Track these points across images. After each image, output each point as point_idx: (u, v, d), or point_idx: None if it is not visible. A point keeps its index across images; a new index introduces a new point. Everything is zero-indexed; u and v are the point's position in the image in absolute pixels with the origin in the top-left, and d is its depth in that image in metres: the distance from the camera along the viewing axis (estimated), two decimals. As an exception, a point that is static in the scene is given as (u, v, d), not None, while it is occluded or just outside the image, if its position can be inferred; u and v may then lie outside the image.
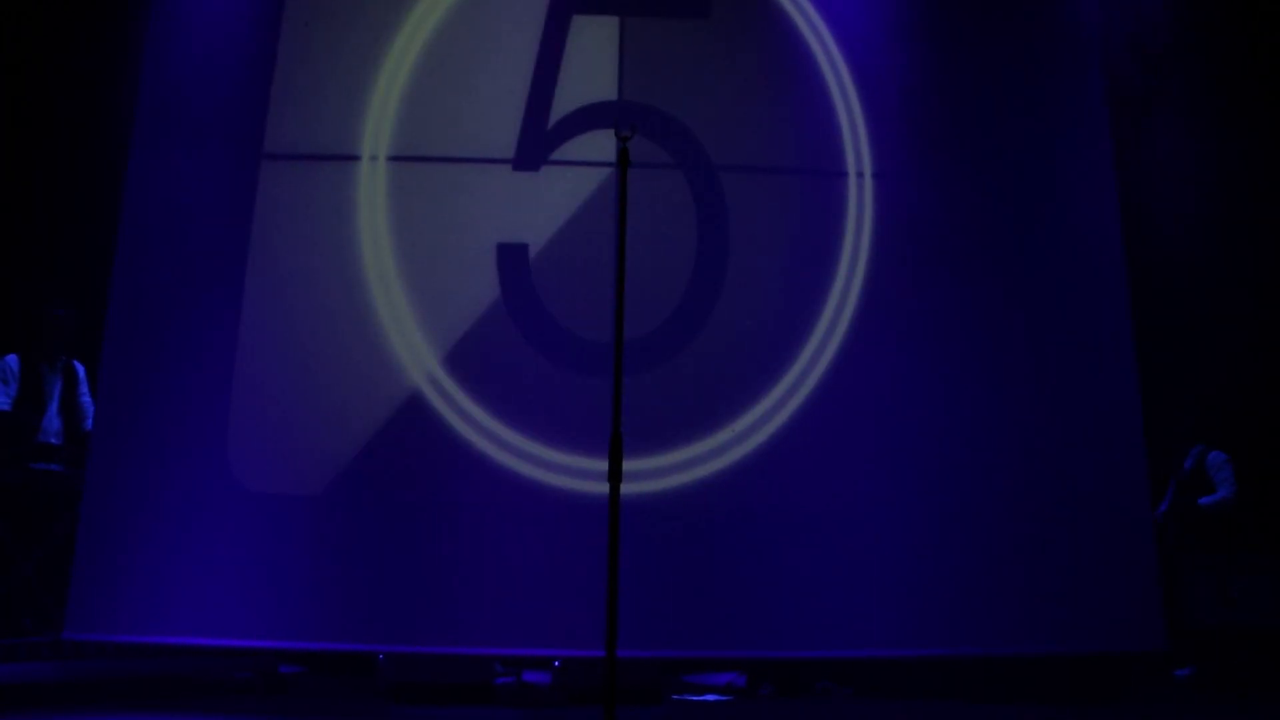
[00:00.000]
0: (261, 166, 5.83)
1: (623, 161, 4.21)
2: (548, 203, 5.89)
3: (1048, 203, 6.01)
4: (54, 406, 6.23)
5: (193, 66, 5.90)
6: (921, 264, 5.89)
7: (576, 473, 5.60)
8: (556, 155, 5.92)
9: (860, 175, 6.00)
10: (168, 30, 5.96)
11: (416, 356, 5.74)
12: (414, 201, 5.89)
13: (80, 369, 6.33)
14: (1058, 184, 6.04)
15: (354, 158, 5.89)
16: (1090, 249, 5.97)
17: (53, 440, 6.16)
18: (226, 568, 5.44)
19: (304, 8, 6.01)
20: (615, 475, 4.00)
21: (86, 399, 6.30)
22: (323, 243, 5.81)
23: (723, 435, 5.71)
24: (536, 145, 5.93)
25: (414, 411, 5.68)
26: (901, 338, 5.81)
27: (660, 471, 5.65)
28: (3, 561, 5.71)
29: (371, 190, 5.87)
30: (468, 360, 5.74)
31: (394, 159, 5.90)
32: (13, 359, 6.21)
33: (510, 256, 5.83)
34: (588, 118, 5.94)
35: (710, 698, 5.80)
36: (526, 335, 5.75)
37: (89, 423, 6.17)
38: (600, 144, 5.86)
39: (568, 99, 5.97)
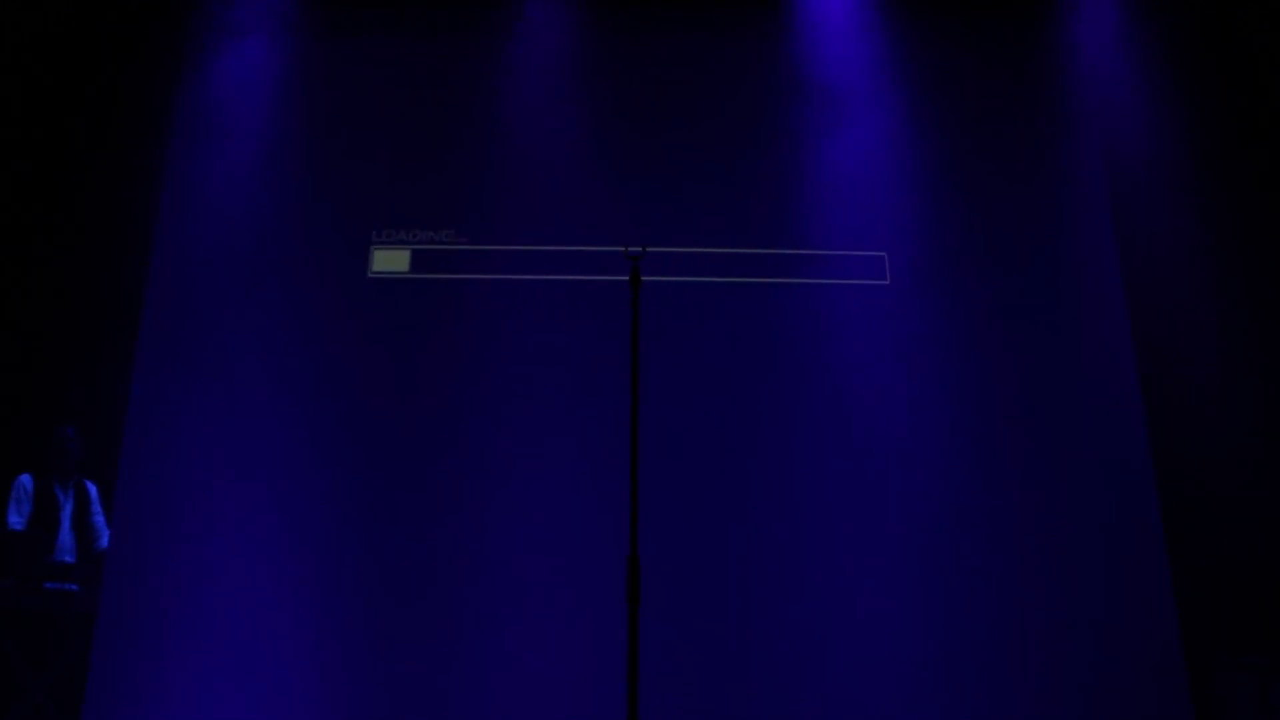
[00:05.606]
0: (275, 289, 5.98)
1: (634, 280, 4.26)
2: (559, 317, 5.96)
3: (1057, 311, 6.08)
4: (66, 525, 6.21)
5: (209, 200, 6.11)
6: (935, 374, 5.94)
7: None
8: (567, 276, 6.02)
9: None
10: (187, 170, 6.18)
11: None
12: (426, 320, 5.98)
13: (93, 488, 6.32)
14: (1067, 293, 6.12)
15: (366, 276, 6.02)
16: (1101, 355, 6.02)
17: (67, 558, 6.13)
18: (243, 688, 5.42)
19: (317, 149, 6.27)
20: (633, 597, 3.97)
21: (99, 518, 6.28)
22: (335, 362, 5.91)
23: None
24: (547, 264, 6.03)
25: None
26: (919, 443, 5.83)
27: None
28: (13, 685, 5.64)
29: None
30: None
31: (407, 279, 6.03)
32: (26, 479, 6.21)
33: (522, 372, 5.88)
34: (598, 233, 6.05)
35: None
36: (544, 454, 5.79)
37: (100, 542, 6.15)
38: (610, 260, 5.94)
39: (579, 215, 6.11)
